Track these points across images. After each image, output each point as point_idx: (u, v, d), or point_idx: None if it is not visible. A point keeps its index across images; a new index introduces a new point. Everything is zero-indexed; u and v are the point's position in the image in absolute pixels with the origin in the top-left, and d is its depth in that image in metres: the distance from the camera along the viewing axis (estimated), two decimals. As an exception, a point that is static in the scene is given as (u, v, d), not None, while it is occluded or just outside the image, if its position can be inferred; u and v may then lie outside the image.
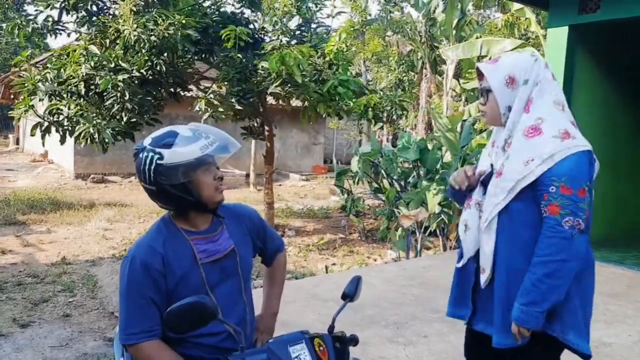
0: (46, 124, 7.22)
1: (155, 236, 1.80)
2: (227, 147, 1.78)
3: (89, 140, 7.03)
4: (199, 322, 1.59)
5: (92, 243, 7.78)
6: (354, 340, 1.92)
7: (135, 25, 6.62)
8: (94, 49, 7.16)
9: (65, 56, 7.32)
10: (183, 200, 1.76)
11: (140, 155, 1.75)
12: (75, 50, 7.20)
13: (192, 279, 1.78)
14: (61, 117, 7.14)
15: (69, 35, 8.03)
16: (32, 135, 7.44)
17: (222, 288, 1.84)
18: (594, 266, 2.05)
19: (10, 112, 7.42)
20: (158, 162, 1.70)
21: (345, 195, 9.21)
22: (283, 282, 2.21)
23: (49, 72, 7.19)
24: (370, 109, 7.12)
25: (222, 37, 6.90)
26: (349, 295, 1.96)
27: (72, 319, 4.83)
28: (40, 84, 7.11)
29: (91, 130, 6.93)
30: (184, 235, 1.81)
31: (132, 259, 1.75)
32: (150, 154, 1.72)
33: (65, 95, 7.16)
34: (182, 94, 8.49)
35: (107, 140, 7.02)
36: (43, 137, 7.32)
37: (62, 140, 7.39)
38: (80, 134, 7.03)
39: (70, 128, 7.21)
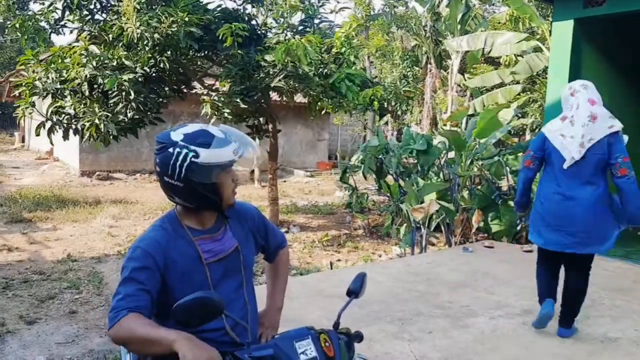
0: (50, 123, 7.26)
1: (161, 232, 1.80)
2: (252, 153, 1.80)
3: (93, 134, 7.06)
4: (206, 316, 1.60)
5: (97, 240, 7.81)
6: (359, 337, 1.93)
7: (138, 23, 6.62)
8: (94, 49, 7.17)
9: (67, 57, 7.32)
10: (206, 199, 1.77)
11: (171, 150, 1.71)
12: (75, 52, 7.20)
13: (195, 277, 1.78)
14: (63, 116, 7.17)
15: (71, 32, 8.04)
16: (37, 135, 7.49)
17: (224, 285, 1.85)
18: (545, 199, 3.71)
19: (15, 113, 7.47)
20: (193, 159, 1.69)
21: (350, 192, 9.19)
22: (286, 277, 2.22)
23: (51, 72, 7.21)
24: (375, 100, 7.08)
25: (220, 36, 6.89)
26: (354, 291, 1.97)
27: (78, 316, 4.86)
28: (38, 82, 7.14)
29: (97, 121, 6.94)
30: (189, 234, 1.81)
31: (135, 248, 1.76)
32: (185, 150, 1.70)
33: (68, 95, 7.18)
34: (186, 91, 8.49)
35: (111, 132, 7.03)
36: (49, 134, 7.37)
37: (65, 137, 7.43)
38: (84, 128, 7.07)
39: (73, 126, 7.25)
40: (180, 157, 1.70)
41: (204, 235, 1.84)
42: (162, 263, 1.74)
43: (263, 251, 2.13)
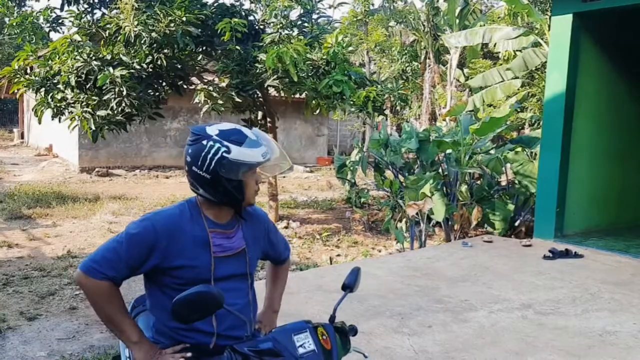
0: (43, 107, 7.36)
1: (178, 213, 1.85)
2: (279, 161, 1.88)
3: (84, 125, 7.15)
4: (206, 310, 1.61)
5: (97, 236, 7.81)
6: (353, 330, 1.96)
7: (135, 22, 6.61)
8: (77, 38, 7.17)
9: (56, 53, 7.33)
10: (230, 195, 1.82)
11: (205, 142, 1.79)
12: (62, 44, 7.20)
13: (199, 267, 1.81)
14: (58, 98, 7.24)
15: (69, 29, 8.03)
16: (36, 115, 7.53)
17: (228, 283, 1.86)
18: None
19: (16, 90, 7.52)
20: (224, 154, 1.76)
21: (349, 187, 9.20)
22: (285, 282, 2.28)
23: (42, 66, 7.24)
24: (370, 101, 7.07)
25: (219, 31, 6.89)
26: (349, 286, 2.00)
27: (78, 312, 4.87)
28: (27, 75, 7.19)
29: (76, 118, 7.05)
30: (205, 223, 1.85)
31: (146, 219, 1.81)
32: (218, 144, 1.77)
33: (59, 87, 7.21)
34: (185, 87, 8.47)
35: (92, 128, 7.08)
36: (36, 114, 7.44)
37: (53, 116, 7.51)
38: (69, 116, 7.21)
39: (62, 110, 7.32)
40: (213, 150, 1.77)
41: (218, 229, 1.87)
42: (164, 240, 1.77)
43: (266, 258, 2.17)
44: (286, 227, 8.77)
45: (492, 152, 7.62)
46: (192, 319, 1.62)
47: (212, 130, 1.81)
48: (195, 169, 1.80)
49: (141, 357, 1.75)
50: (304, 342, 1.75)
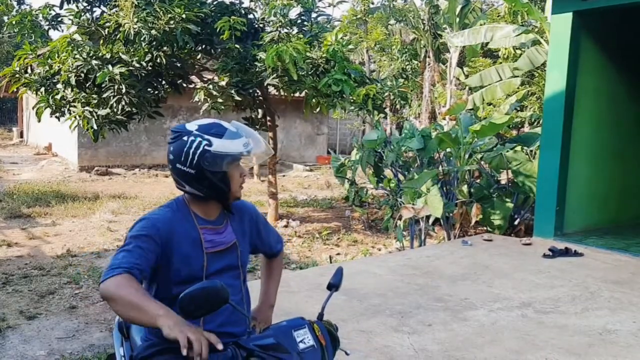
0: (43, 104, 7.38)
1: (169, 212, 1.87)
2: (261, 149, 1.88)
3: (84, 124, 7.18)
4: (212, 305, 1.62)
5: (97, 235, 7.81)
6: (336, 328, 2.01)
7: (135, 20, 6.61)
8: (77, 37, 7.17)
9: (55, 52, 7.33)
10: (215, 188, 1.84)
11: (185, 138, 1.80)
12: (62, 44, 7.20)
13: (193, 264, 1.82)
14: (58, 97, 7.25)
15: (68, 27, 8.02)
16: (37, 115, 7.53)
17: (221, 279, 1.86)
18: None
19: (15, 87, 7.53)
20: (206, 147, 1.78)
21: (349, 186, 9.19)
22: (280, 276, 2.27)
23: (42, 65, 7.24)
24: (370, 99, 7.06)
25: (218, 29, 6.89)
26: (335, 285, 2.03)
27: (78, 311, 4.86)
28: (26, 75, 7.21)
29: (77, 117, 7.07)
30: (194, 220, 1.87)
31: (142, 219, 1.84)
32: (199, 139, 1.79)
33: (59, 86, 7.21)
34: (184, 85, 8.46)
35: (94, 127, 7.09)
36: (37, 113, 7.45)
37: (52, 113, 7.52)
38: (70, 116, 7.24)
39: (62, 109, 7.34)
40: (194, 145, 1.79)
41: (208, 225, 1.89)
42: (165, 238, 1.78)
43: (257, 251, 2.17)
44: (286, 226, 8.76)
45: (494, 149, 7.61)
46: (198, 315, 1.63)
47: (192, 126, 1.84)
48: (180, 165, 1.82)
49: (172, 324, 1.54)
50: (304, 338, 1.78)
